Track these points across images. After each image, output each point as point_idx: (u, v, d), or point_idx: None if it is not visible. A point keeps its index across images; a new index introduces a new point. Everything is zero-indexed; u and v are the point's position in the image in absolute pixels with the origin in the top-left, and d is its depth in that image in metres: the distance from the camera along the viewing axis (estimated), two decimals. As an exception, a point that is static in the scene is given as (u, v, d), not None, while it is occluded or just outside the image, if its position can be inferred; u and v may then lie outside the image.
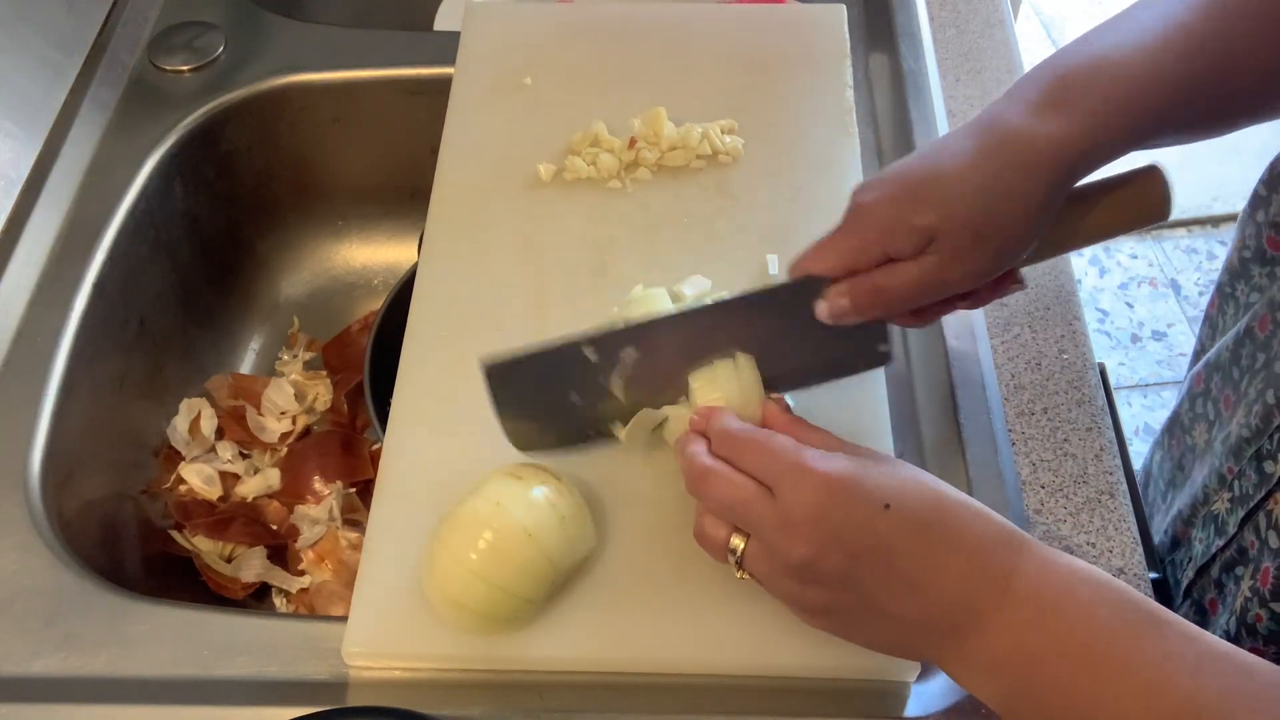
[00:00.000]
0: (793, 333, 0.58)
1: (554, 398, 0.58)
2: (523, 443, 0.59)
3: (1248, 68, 0.54)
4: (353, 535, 0.80)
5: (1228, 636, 0.65)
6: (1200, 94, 0.54)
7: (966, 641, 0.48)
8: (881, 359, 0.59)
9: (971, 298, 0.59)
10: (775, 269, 0.70)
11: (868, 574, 0.49)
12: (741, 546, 0.52)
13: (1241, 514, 0.64)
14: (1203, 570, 0.69)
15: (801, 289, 0.57)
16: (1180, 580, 0.72)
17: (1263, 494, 0.63)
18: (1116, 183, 0.57)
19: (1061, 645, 0.46)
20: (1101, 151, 0.54)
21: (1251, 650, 0.62)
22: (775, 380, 0.58)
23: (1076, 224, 0.57)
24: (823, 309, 0.57)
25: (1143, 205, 0.57)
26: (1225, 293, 0.76)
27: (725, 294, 0.59)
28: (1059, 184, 0.54)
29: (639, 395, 0.58)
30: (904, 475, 0.50)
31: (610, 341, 0.56)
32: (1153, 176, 0.57)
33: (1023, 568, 0.48)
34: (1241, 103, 0.56)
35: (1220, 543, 0.67)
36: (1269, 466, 0.62)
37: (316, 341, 0.95)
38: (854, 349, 0.59)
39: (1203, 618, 0.69)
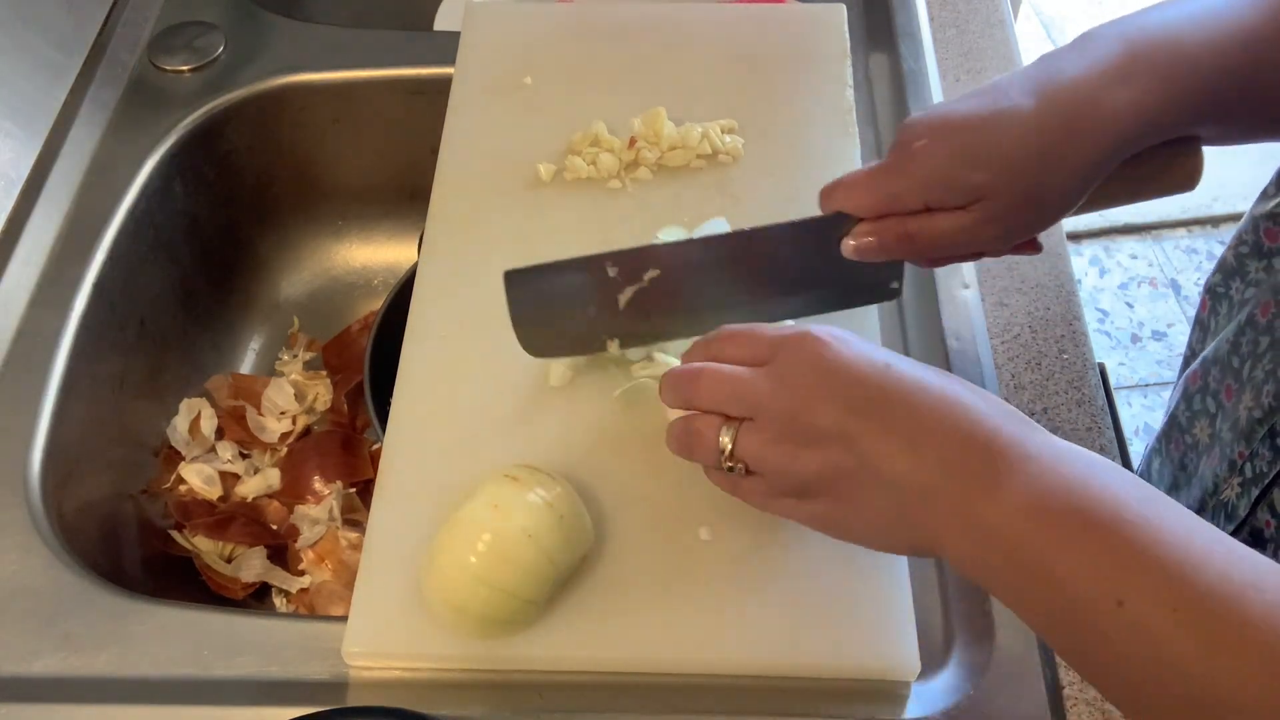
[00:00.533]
0: (811, 263, 0.57)
1: (571, 308, 0.57)
2: (535, 349, 0.59)
3: None
4: (353, 535, 0.80)
5: None
6: (1256, 94, 0.54)
7: (972, 505, 0.44)
8: (892, 294, 0.59)
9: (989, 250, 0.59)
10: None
11: (865, 428, 0.46)
12: (732, 434, 0.49)
13: (1255, 494, 0.64)
14: None
15: (827, 224, 0.57)
16: None
17: (1277, 469, 0.62)
18: (1154, 151, 0.56)
19: (1085, 511, 0.42)
20: (1160, 129, 0.54)
21: None
22: (786, 307, 0.58)
23: (1109, 187, 0.57)
24: (849, 247, 0.56)
25: (1175, 176, 0.57)
26: (1218, 293, 0.76)
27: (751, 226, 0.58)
28: (1116, 154, 0.53)
29: (653, 318, 0.57)
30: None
31: (633, 259, 0.56)
32: (1191, 148, 0.57)
33: (1035, 438, 0.45)
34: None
35: (1231, 528, 0.66)
36: None
37: (316, 341, 0.95)
38: (868, 283, 0.59)
39: None
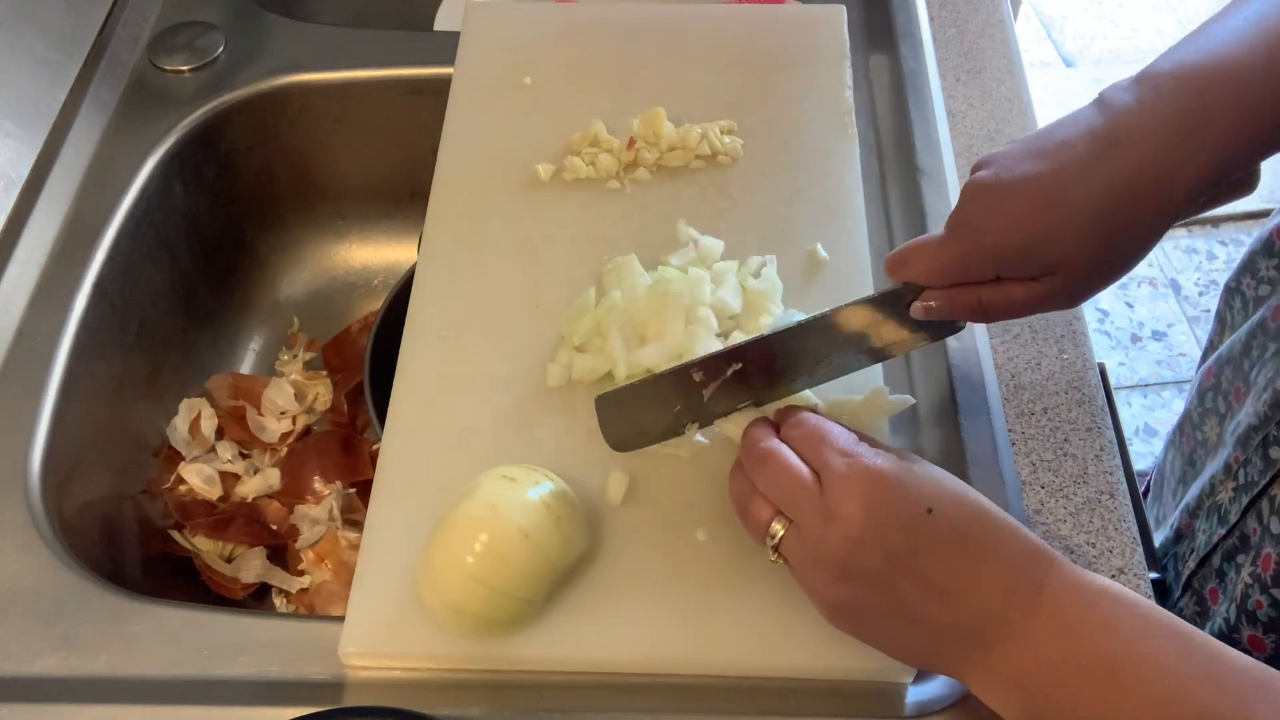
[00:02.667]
0: (883, 327, 0.58)
1: (658, 411, 0.59)
2: (622, 447, 0.61)
3: None
4: (352, 535, 0.80)
5: (1227, 625, 0.65)
6: None
7: (990, 653, 0.48)
8: (955, 329, 0.60)
9: None
10: (774, 268, 0.70)
11: (902, 575, 0.48)
12: (781, 532, 0.51)
13: (1245, 501, 0.64)
14: (1204, 561, 0.69)
15: (897, 294, 0.57)
16: (1181, 573, 0.72)
17: (1267, 480, 0.63)
18: None
19: (1083, 656, 0.46)
20: (1229, 175, 0.53)
21: (1250, 639, 0.62)
22: (861, 361, 0.60)
23: None
24: (919, 309, 0.57)
25: (1237, 190, 0.57)
26: (1231, 287, 0.76)
27: (823, 310, 0.59)
28: (1187, 210, 0.53)
29: (734, 397, 0.59)
30: (947, 483, 0.50)
31: (718, 361, 0.57)
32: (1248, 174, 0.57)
33: (1051, 582, 0.48)
34: None
35: (1222, 531, 0.67)
36: (1275, 453, 0.62)
37: (317, 341, 0.95)
38: (932, 330, 0.59)
39: (1203, 609, 0.69)
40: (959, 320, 0.58)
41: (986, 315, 0.56)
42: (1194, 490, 0.73)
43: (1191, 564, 0.70)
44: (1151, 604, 0.47)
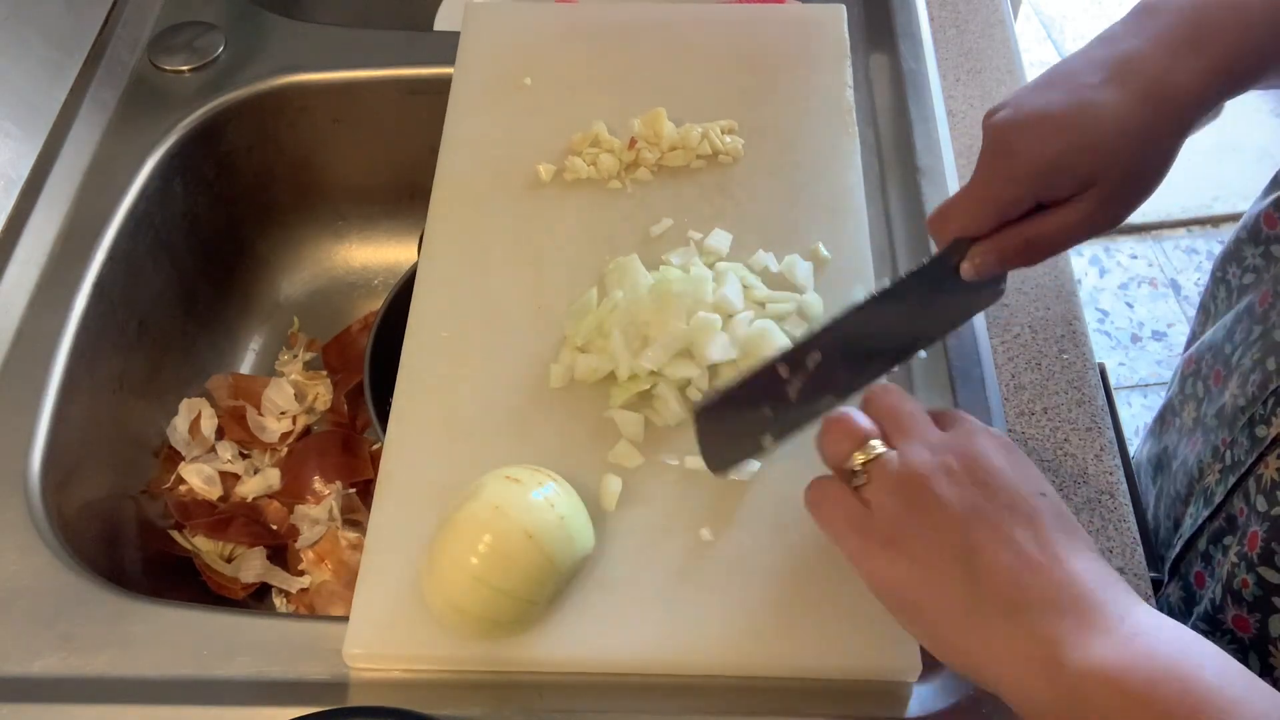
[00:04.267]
0: (935, 297, 0.58)
1: (750, 418, 0.58)
2: (719, 466, 0.60)
3: None
4: (352, 535, 0.80)
5: (1213, 607, 0.64)
6: None
7: (1061, 645, 0.43)
8: (998, 295, 0.60)
9: None
10: (776, 268, 0.70)
11: (991, 519, 0.46)
12: (880, 449, 0.49)
13: (1232, 481, 0.64)
14: (1190, 544, 0.69)
15: (944, 257, 0.57)
16: (1167, 559, 0.72)
17: (1253, 459, 0.63)
18: None
19: (1169, 695, 0.41)
20: (1237, 87, 0.55)
21: (1235, 619, 0.62)
22: (920, 342, 0.60)
23: None
24: (968, 269, 0.57)
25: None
26: (1217, 277, 0.77)
27: (883, 283, 0.59)
28: (1200, 118, 0.55)
29: (816, 400, 0.58)
30: (1049, 494, 0.49)
31: (797, 352, 0.57)
32: None
33: (1138, 609, 0.45)
34: None
35: (1207, 513, 0.66)
36: (1261, 431, 0.62)
37: (316, 341, 0.95)
38: (981, 294, 0.59)
39: (1189, 594, 0.69)
40: (1006, 270, 0.58)
41: (1034, 250, 0.56)
42: (1181, 476, 0.73)
43: (1178, 548, 0.70)
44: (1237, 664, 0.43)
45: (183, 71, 0.88)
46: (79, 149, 0.82)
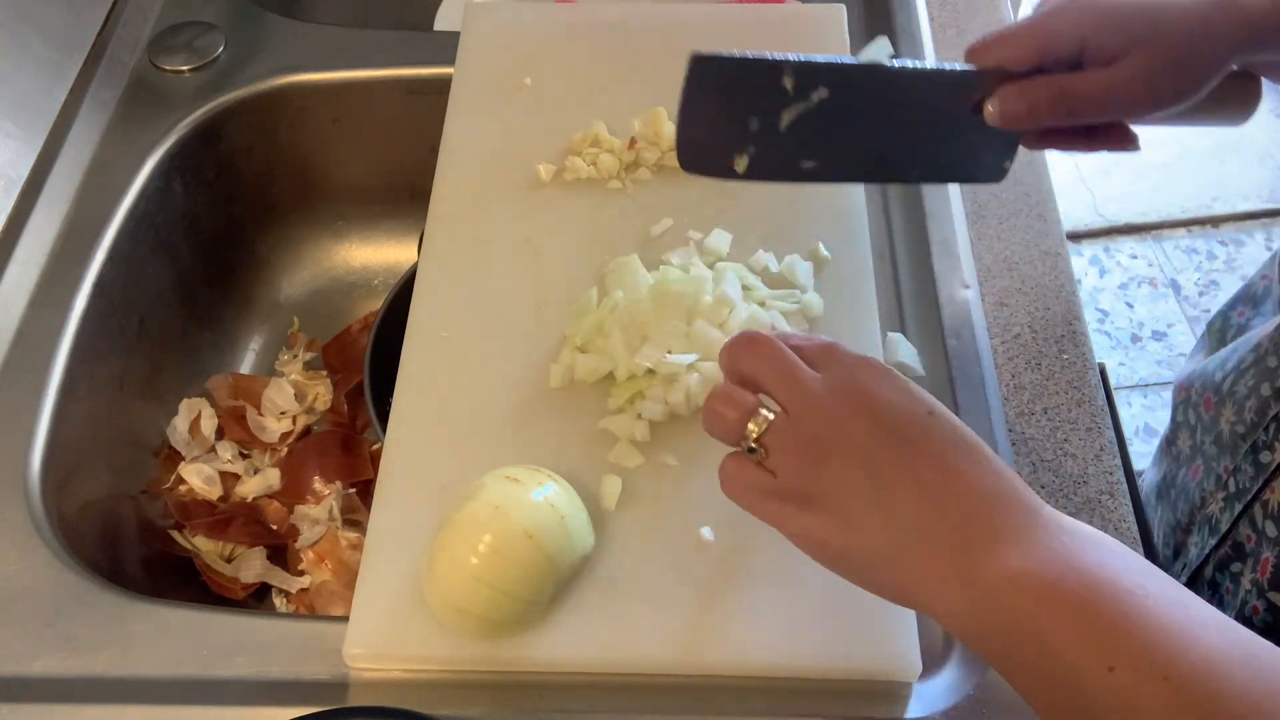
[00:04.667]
0: (946, 120, 0.57)
1: (736, 120, 0.56)
2: (687, 160, 0.58)
3: None
4: (352, 535, 0.80)
5: None
6: None
7: (974, 558, 0.44)
8: (1000, 174, 0.58)
9: (1098, 138, 0.59)
10: (776, 268, 0.70)
11: (892, 459, 0.46)
12: (771, 415, 0.48)
13: (1238, 509, 0.64)
14: (1196, 574, 0.69)
15: (972, 80, 0.56)
16: None
17: (1259, 485, 0.63)
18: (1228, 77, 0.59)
19: (1086, 583, 0.41)
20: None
21: None
22: (907, 166, 0.58)
23: None
24: (993, 110, 0.56)
25: (1235, 103, 0.60)
26: (1229, 316, 0.77)
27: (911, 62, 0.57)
28: (1247, 49, 0.55)
29: (800, 148, 0.57)
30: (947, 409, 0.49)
31: (808, 71, 0.54)
32: (1253, 83, 0.59)
33: (1045, 511, 0.45)
34: None
35: (1214, 542, 0.67)
36: (1265, 457, 0.62)
37: (317, 341, 0.95)
38: (983, 157, 0.58)
39: None
40: (1005, 153, 0.56)
41: (1063, 105, 0.55)
42: (1181, 504, 0.73)
43: (1184, 579, 0.70)
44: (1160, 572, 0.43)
45: (183, 71, 0.88)
46: (79, 149, 0.82)
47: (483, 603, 0.53)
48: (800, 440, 0.48)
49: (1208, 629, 0.40)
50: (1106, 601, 0.41)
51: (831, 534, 0.47)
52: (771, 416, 0.48)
